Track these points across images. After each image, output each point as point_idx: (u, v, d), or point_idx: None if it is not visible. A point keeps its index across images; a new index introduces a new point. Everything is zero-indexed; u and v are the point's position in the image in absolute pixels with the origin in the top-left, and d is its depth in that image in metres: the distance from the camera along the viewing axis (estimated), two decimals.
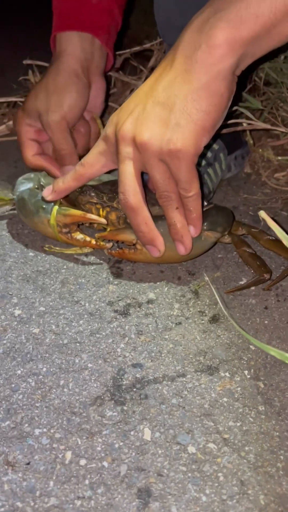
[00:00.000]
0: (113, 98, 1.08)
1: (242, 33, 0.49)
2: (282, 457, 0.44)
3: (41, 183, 0.70)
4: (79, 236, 0.65)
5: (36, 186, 0.68)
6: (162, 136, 0.53)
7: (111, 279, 0.64)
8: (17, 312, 0.57)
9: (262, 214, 0.45)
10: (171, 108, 0.53)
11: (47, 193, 0.65)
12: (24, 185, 0.69)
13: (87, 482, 0.41)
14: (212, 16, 0.51)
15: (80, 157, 0.72)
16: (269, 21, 0.48)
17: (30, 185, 0.68)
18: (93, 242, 0.65)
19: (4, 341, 0.53)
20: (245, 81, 0.93)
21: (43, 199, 0.65)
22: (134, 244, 0.63)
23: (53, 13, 0.83)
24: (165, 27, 0.80)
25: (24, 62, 1.08)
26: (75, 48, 0.78)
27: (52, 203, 0.65)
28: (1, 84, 1.25)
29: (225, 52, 0.50)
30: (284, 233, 0.45)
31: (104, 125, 0.82)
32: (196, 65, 0.51)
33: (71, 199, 0.69)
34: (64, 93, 0.76)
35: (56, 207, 0.64)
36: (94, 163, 0.61)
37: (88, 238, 0.65)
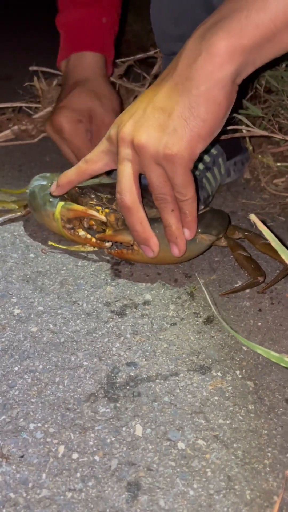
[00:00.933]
0: None
1: (242, 42, 0.51)
2: (269, 454, 0.45)
3: (55, 182, 0.72)
4: (81, 232, 0.68)
5: (50, 184, 0.71)
6: (158, 140, 0.55)
7: (109, 280, 0.65)
8: (16, 311, 0.59)
9: (253, 217, 0.46)
10: (169, 114, 0.54)
11: (53, 189, 0.68)
12: (38, 181, 0.73)
13: (78, 475, 0.42)
14: (214, 25, 0.52)
15: None
16: (269, 30, 0.50)
17: (44, 182, 0.72)
18: (94, 240, 0.67)
19: (3, 339, 0.55)
20: (246, 88, 0.95)
21: (50, 194, 0.68)
22: (131, 245, 0.65)
23: (61, 31, 0.92)
24: (160, 37, 0.82)
25: (30, 68, 1.10)
26: (98, 62, 0.89)
27: (58, 198, 0.68)
28: (7, 89, 1.27)
29: (225, 60, 0.52)
30: (273, 235, 0.46)
31: None
32: (196, 72, 0.53)
33: (73, 201, 0.71)
34: (113, 96, 0.87)
35: (62, 202, 0.67)
36: (96, 161, 0.63)
37: (89, 236, 0.68)
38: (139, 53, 1.18)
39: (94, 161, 0.63)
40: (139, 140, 0.55)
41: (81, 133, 0.83)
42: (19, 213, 0.75)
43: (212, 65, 0.52)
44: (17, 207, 0.76)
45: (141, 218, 0.60)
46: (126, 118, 0.58)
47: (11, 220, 0.75)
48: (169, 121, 0.54)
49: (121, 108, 0.88)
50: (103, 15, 0.90)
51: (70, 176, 0.66)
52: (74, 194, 0.70)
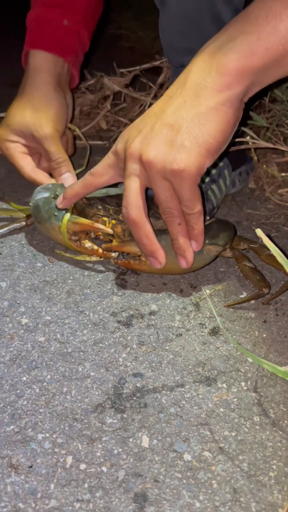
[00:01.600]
0: (122, 113, 1.11)
1: (252, 64, 0.52)
2: (274, 466, 0.45)
3: (57, 193, 0.73)
4: (87, 244, 0.68)
5: (53, 196, 0.72)
6: (166, 156, 0.55)
7: (116, 290, 0.66)
8: (24, 320, 0.60)
9: (259, 232, 0.47)
10: (177, 130, 0.55)
11: (59, 202, 0.68)
12: (41, 194, 0.73)
13: (86, 485, 0.43)
14: (225, 45, 0.54)
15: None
16: (278, 53, 0.52)
17: (46, 194, 0.72)
18: (100, 251, 0.68)
19: (11, 349, 0.56)
20: (253, 102, 0.96)
21: (56, 207, 0.69)
22: (139, 256, 0.65)
23: (26, 27, 0.91)
24: (169, 49, 0.83)
25: None
26: (50, 65, 0.87)
27: (64, 211, 0.68)
28: (14, 96, 1.28)
29: (234, 81, 0.53)
30: (278, 249, 0.47)
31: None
32: (205, 90, 0.54)
33: (80, 212, 0.71)
34: (51, 107, 0.84)
35: (67, 215, 0.67)
36: (103, 174, 0.64)
37: (95, 247, 0.68)
38: (144, 60, 1.19)
39: (100, 174, 0.64)
40: (147, 156, 0.56)
41: (17, 153, 0.83)
42: (23, 223, 0.76)
43: (222, 84, 0.53)
44: (24, 215, 0.77)
45: (147, 232, 0.61)
46: (134, 133, 0.59)
47: (18, 229, 0.76)
48: (177, 137, 0.55)
49: (67, 115, 0.89)
50: (64, 17, 0.89)
51: (76, 189, 0.66)
52: (81, 205, 0.70)
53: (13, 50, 1.90)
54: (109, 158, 0.63)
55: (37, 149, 0.85)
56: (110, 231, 0.68)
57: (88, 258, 0.70)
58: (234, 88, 0.53)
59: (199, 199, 0.58)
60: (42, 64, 0.87)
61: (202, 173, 0.56)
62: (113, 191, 0.74)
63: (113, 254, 0.68)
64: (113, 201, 0.70)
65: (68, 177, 0.82)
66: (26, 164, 0.82)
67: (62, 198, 0.68)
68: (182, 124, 0.55)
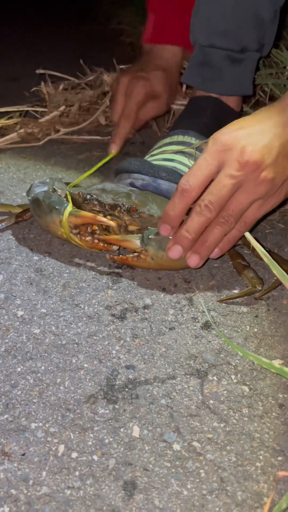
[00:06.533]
0: None
1: None
2: (261, 457, 0.46)
3: (55, 187, 0.73)
4: (88, 237, 0.69)
5: (51, 190, 0.72)
6: (283, 176, 0.60)
7: (110, 284, 0.67)
8: (20, 313, 0.61)
9: (247, 235, 0.49)
10: None
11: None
12: (39, 188, 0.73)
13: (77, 473, 0.44)
14: None
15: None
16: None
17: (45, 188, 0.73)
18: (101, 244, 0.69)
19: (6, 340, 0.57)
20: (251, 96, 0.96)
21: (58, 200, 0.69)
22: (138, 253, 0.66)
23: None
24: (202, 27, 0.86)
25: (37, 71, 1.12)
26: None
27: (65, 205, 0.69)
28: (14, 90, 1.29)
29: None
30: (265, 252, 0.48)
31: None
32: None
33: (76, 207, 0.72)
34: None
35: (69, 208, 0.68)
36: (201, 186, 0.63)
37: (96, 240, 0.69)
38: None
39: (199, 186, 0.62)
40: (268, 174, 0.59)
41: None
42: (19, 219, 0.76)
43: None
44: (22, 210, 0.78)
45: (182, 207, 0.61)
46: (257, 143, 0.59)
47: (16, 223, 0.77)
48: None
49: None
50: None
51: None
52: (78, 201, 0.71)
53: (13, 45, 1.91)
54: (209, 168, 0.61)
55: None
56: (112, 223, 0.68)
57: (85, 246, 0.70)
58: None
59: (254, 223, 0.63)
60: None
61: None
62: (109, 186, 0.74)
63: (114, 247, 0.69)
64: (109, 197, 0.70)
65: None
66: None
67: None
68: None
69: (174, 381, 0.53)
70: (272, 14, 0.82)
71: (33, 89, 1.11)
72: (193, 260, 0.63)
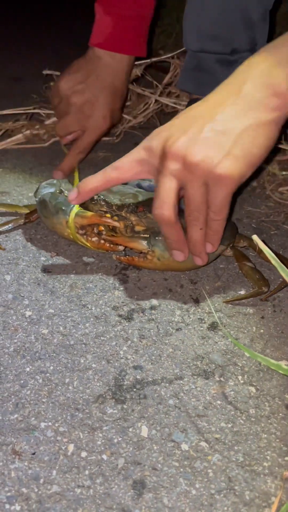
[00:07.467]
0: (126, 110, 1.12)
1: None
2: (268, 457, 0.47)
3: (62, 188, 0.74)
4: (94, 238, 0.70)
5: (58, 191, 0.73)
6: (212, 160, 0.55)
7: (117, 285, 0.67)
8: (28, 313, 0.61)
9: (255, 238, 0.49)
10: (228, 137, 0.55)
11: (72, 197, 0.65)
12: (46, 189, 0.74)
13: (87, 472, 0.45)
14: (285, 64, 0.55)
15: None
16: None
17: (52, 189, 0.74)
18: (107, 245, 0.69)
19: (15, 340, 0.57)
20: None
21: (62, 202, 0.69)
22: (145, 253, 0.67)
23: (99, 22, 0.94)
24: (192, 33, 0.85)
25: (44, 72, 1.12)
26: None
27: (72, 206, 0.69)
28: (19, 91, 1.30)
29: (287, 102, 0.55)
30: (273, 254, 0.49)
31: None
32: (260, 106, 0.55)
33: (83, 208, 0.73)
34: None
35: (75, 209, 0.69)
36: (129, 169, 0.62)
37: (102, 241, 0.69)
38: (149, 56, 1.19)
39: (126, 169, 0.62)
40: (192, 158, 0.56)
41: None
42: (27, 220, 0.77)
43: (276, 104, 0.55)
44: (28, 211, 0.78)
45: (178, 230, 0.61)
46: (176, 133, 0.57)
47: (23, 224, 0.78)
48: (227, 144, 0.55)
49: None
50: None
51: (94, 183, 0.64)
52: (85, 202, 0.72)
53: (14, 44, 1.91)
54: (139, 153, 0.61)
55: None
56: (118, 224, 0.69)
57: (91, 247, 0.71)
58: (284, 110, 0.55)
59: (228, 208, 0.59)
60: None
61: (240, 184, 0.57)
62: (116, 187, 0.75)
63: (120, 248, 0.69)
64: (116, 198, 0.71)
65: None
66: None
67: (76, 193, 0.65)
68: (233, 133, 0.55)
69: (181, 381, 0.54)
70: (262, 14, 0.82)
71: (43, 86, 1.12)
72: (196, 260, 0.65)
